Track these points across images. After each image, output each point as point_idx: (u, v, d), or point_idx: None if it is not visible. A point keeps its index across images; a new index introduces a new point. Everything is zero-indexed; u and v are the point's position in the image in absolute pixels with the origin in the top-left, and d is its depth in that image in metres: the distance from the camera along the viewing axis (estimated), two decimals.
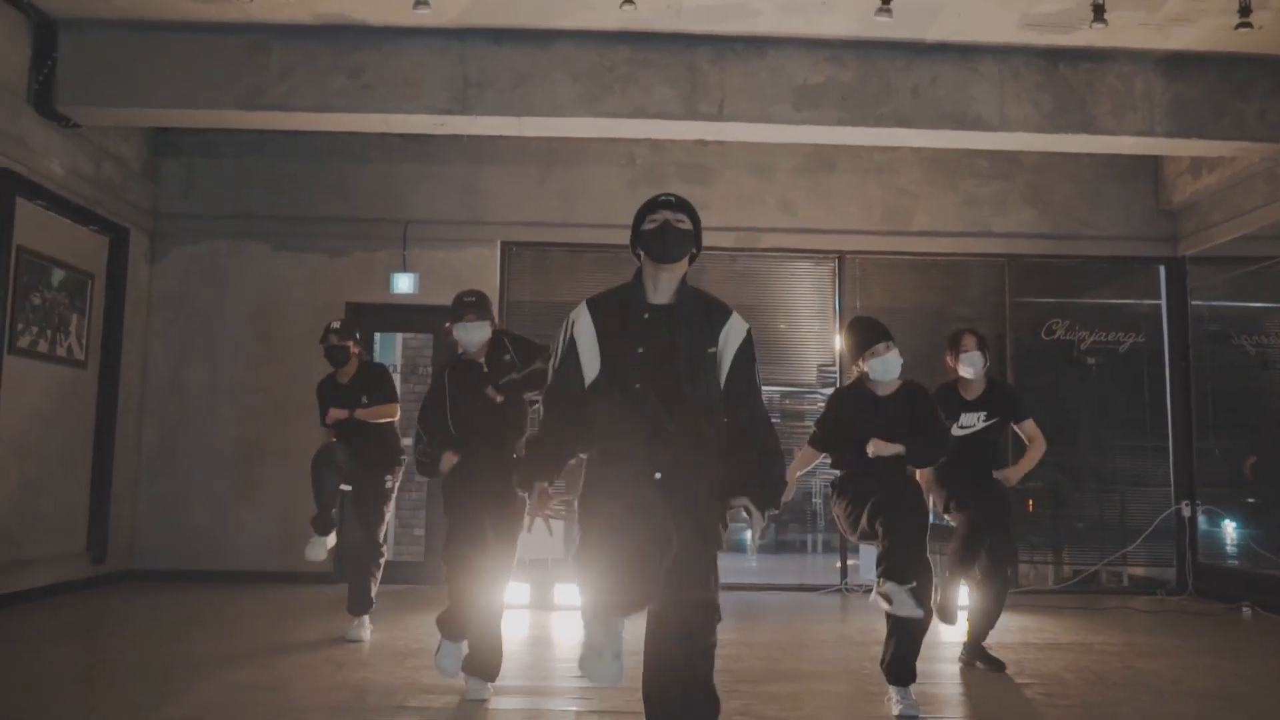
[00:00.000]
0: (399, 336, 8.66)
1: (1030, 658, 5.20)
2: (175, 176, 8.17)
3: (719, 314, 2.88)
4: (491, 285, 7.93)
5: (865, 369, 4.15)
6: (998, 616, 4.90)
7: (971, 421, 4.87)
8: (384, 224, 8.10)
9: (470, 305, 4.32)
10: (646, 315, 2.83)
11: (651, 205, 2.91)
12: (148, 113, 6.77)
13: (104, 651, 5.43)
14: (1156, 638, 6.03)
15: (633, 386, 2.73)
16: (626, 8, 5.73)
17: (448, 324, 4.38)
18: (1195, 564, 7.96)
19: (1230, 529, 7.96)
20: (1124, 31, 6.28)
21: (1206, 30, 6.25)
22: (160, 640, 5.41)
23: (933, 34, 6.47)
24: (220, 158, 8.15)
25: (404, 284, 8.04)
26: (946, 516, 4.95)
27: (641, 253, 2.89)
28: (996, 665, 4.84)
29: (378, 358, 8.25)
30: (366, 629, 5.46)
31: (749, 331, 2.89)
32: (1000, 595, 4.85)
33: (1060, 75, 6.69)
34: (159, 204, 8.09)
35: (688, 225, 2.87)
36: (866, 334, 4.19)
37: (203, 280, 8.09)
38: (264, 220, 8.10)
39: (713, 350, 2.81)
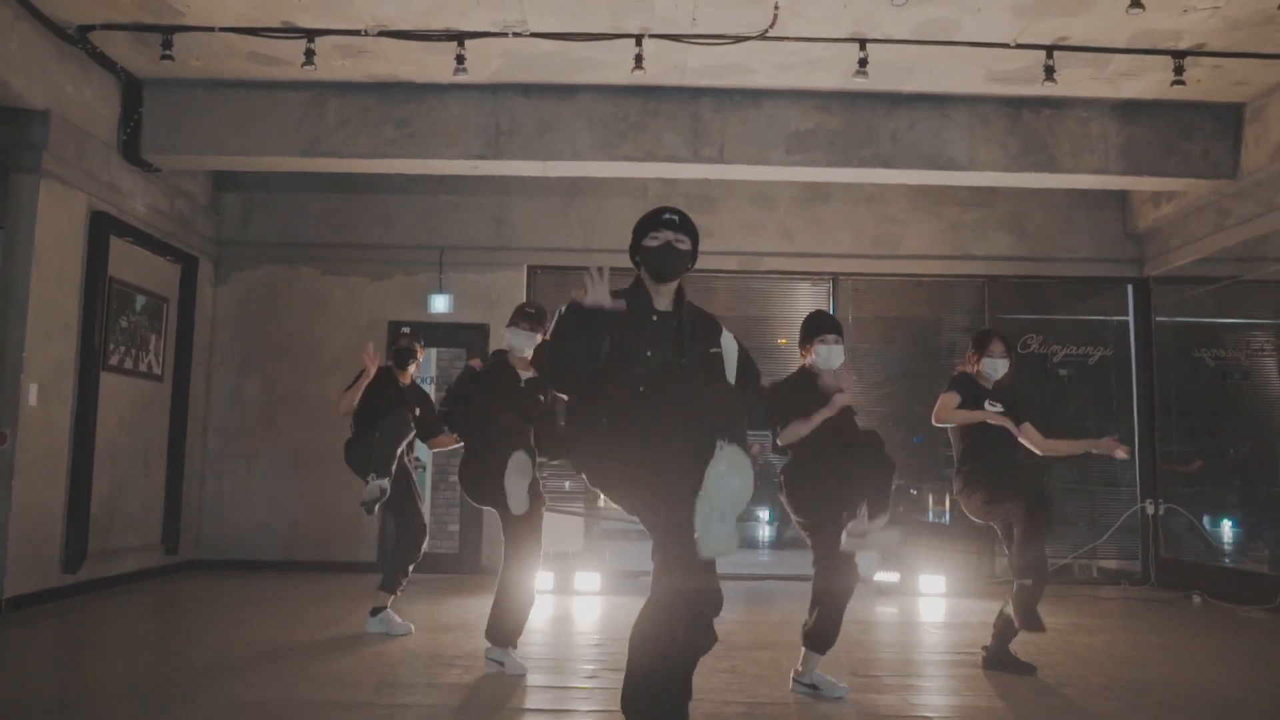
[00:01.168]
0: (434, 351, 9.57)
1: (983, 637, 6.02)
2: (235, 209, 9.11)
3: (714, 325, 3.21)
4: (519, 299, 8.83)
5: (812, 355, 4.45)
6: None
7: (998, 408, 4.91)
8: (422, 250, 9.01)
9: (528, 315, 4.79)
10: (655, 319, 3.06)
11: (654, 221, 3.11)
12: (219, 159, 7.73)
13: (181, 630, 6.35)
14: (1102, 620, 6.85)
15: (637, 389, 2.90)
16: (637, 71, 6.60)
17: (505, 328, 4.85)
18: (1158, 557, 8.76)
19: (1190, 525, 8.73)
20: (1079, 84, 7.11)
21: (1151, 83, 7.06)
22: (227, 620, 6.32)
23: (909, 86, 7.31)
24: (275, 192, 9.09)
25: (440, 304, 8.95)
26: (984, 516, 4.89)
27: (641, 267, 3.13)
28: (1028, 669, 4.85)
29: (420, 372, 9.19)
30: (394, 623, 5.67)
31: (737, 341, 3.27)
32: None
33: (1024, 121, 7.52)
34: (221, 234, 9.04)
35: (687, 246, 3.10)
36: (822, 323, 4.53)
37: (259, 302, 9.03)
38: (314, 247, 9.03)
39: (715, 350, 3.11)
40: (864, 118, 7.50)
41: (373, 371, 5.70)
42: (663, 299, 3.12)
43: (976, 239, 9.17)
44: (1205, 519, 8.73)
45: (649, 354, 2.99)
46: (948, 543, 8.80)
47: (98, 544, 7.14)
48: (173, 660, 5.20)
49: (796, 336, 4.69)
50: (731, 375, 3.18)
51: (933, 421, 5.01)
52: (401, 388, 5.90)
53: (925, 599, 7.79)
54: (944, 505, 9.37)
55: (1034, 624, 4.68)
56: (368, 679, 4.62)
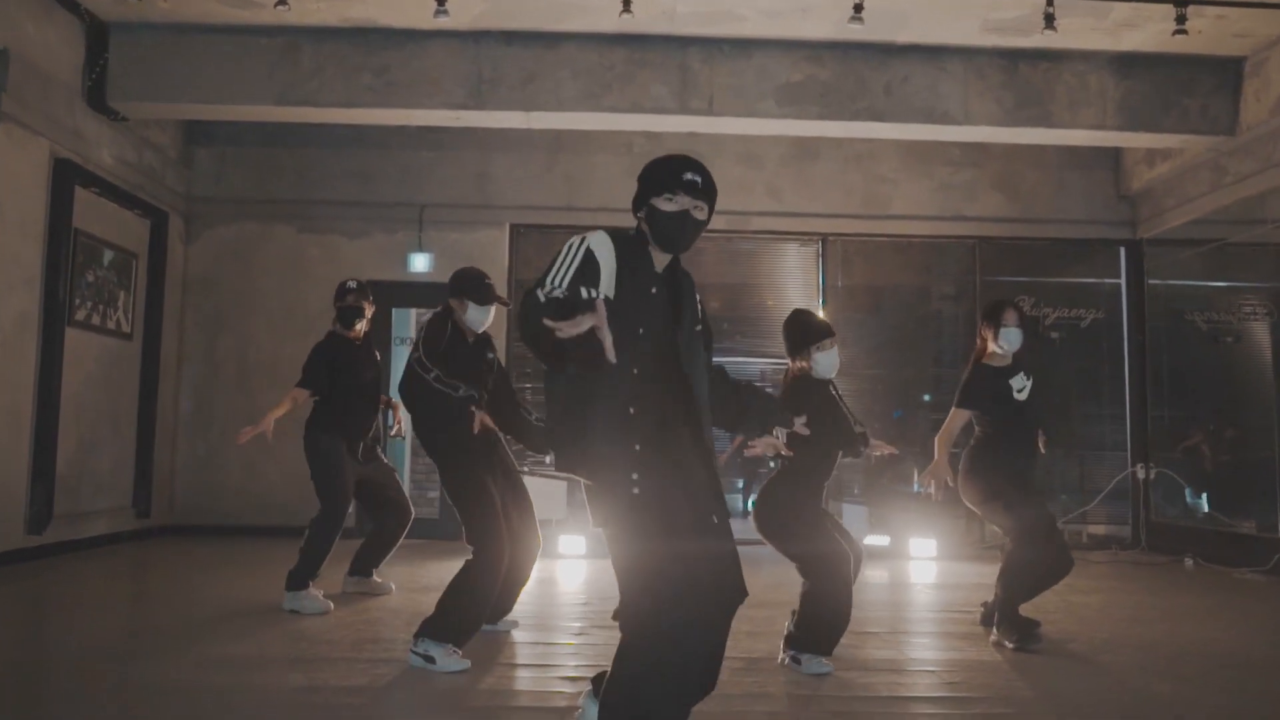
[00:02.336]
0: (413, 311, 9.33)
1: (977, 597, 5.90)
2: (208, 164, 8.82)
3: (694, 290, 2.72)
4: (501, 265, 8.62)
5: (809, 363, 4.03)
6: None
7: (1022, 384, 4.55)
8: (401, 208, 8.75)
9: (494, 291, 4.33)
10: (654, 290, 2.57)
11: (673, 180, 2.54)
12: (190, 107, 7.44)
13: (151, 592, 6.13)
14: (1096, 581, 6.73)
15: (631, 371, 2.44)
16: (625, 15, 6.37)
17: (465, 300, 4.25)
18: (1149, 522, 8.67)
19: (1180, 489, 8.64)
20: (1077, 34, 6.93)
21: (1152, 34, 6.89)
22: (200, 582, 6.11)
23: (903, 36, 7.11)
24: (249, 146, 8.79)
25: (420, 263, 8.70)
26: (978, 510, 4.63)
27: (647, 226, 2.58)
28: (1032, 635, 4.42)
29: (394, 331, 8.95)
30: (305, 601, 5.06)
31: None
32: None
33: (1021, 74, 7.34)
34: (193, 189, 8.75)
35: (705, 214, 2.58)
36: (814, 326, 4.14)
37: (233, 260, 8.75)
38: (289, 204, 8.76)
39: (700, 328, 2.67)
40: (857, 69, 7.29)
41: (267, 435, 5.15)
42: (659, 262, 2.61)
43: (967, 200, 9.00)
44: (1193, 483, 8.64)
45: (641, 331, 2.48)
46: (936, 509, 8.68)
47: (65, 506, 6.89)
48: (140, 620, 5.00)
49: (785, 299, 4.33)
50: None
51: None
52: (357, 346, 5.37)
53: (916, 562, 7.67)
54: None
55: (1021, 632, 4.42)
56: (346, 636, 4.43)
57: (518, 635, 4.52)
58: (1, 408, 6.22)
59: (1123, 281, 9.07)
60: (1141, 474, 8.72)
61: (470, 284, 4.29)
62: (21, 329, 6.42)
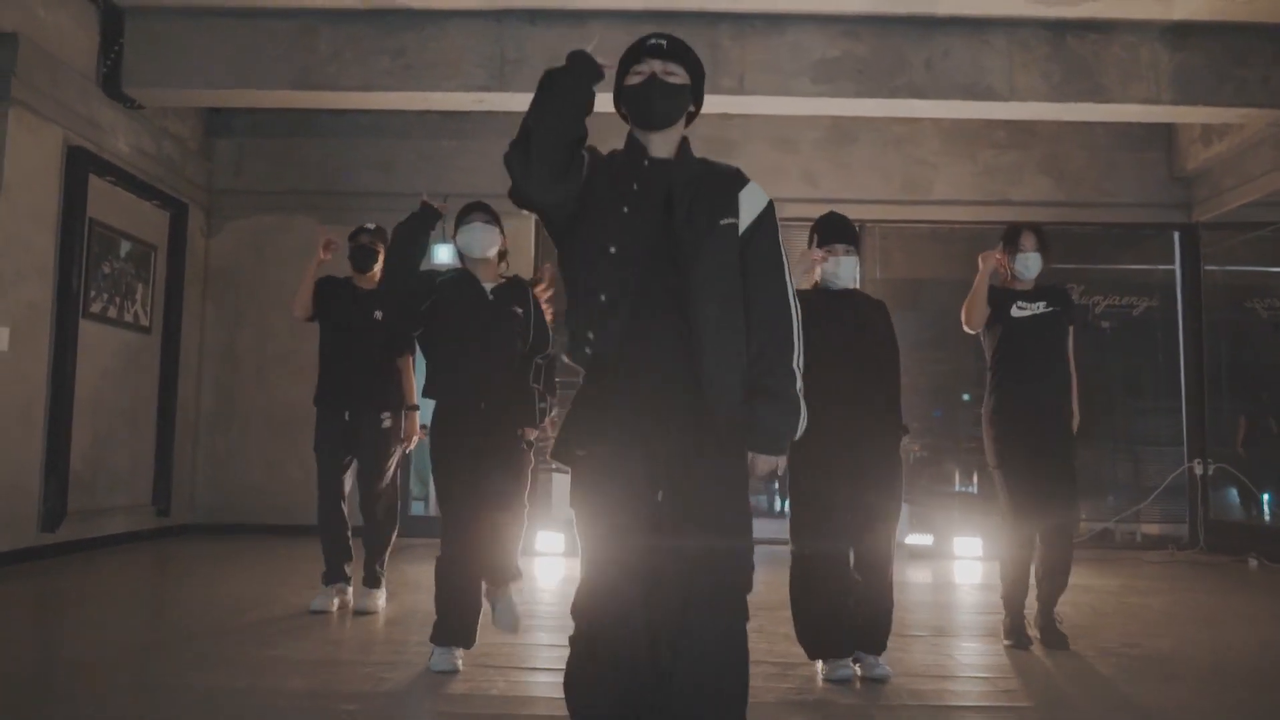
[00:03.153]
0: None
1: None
2: (228, 155, 8.65)
3: (732, 180, 2.32)
4: (527, 255, 8.35)
5: (817, 269, 3.69)
6: (1068, 574, 4.20)
7: (1032, 308, 4.25)
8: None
9: (480, 206, 3.87)
10: (646, 163, 2.30)
11: (636, 52, 2.34)
12: (206, 93, 7.23)
13: (162, 593, 5.93)
14: (1155, 582, 6.34)
15: (608, 250, 2.20)
16: None
17: (454, 230, 3.89)
18: (1207, 520, 8.23)
19: (1240, 486, 8.20)
20: (1127, 3, 6.55)
21: (1207, 1, 6.48)
22: (214, 582, 5.90)
23: (944, 8, 6.76)
24: (269, 136, 8.61)
25: (445, 254, 8.45)
26: (994, 468, 4.24)
27: (626, 116, 2.35)
28: (1060, 641, 4.09)
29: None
30: (380, 599, 4.79)
31: (770, 202, 2.34)
32: (1069, 553, 4.16)
33: (1068, 46, 6.96)
34: (213, 180, 8.58)
35: (682, 79, 2.31)
36: (831, 228, 3.77)
37: (253, 252, 8.57)
38: (310, 195, 8.55)
39: (729, 222, 2.25)
40: (895, 44, 6.95)
41: (323, 256, 4.88)
42: (660, 148, 2.32)
43: (1012, 183, 8.61)
44: (1254, 479, 8.20)
45: (625, 210, 2.22)
46: (978, 507, 8.31)
47: (81, 502, 6.72)
48: (151, 621, 4.78)
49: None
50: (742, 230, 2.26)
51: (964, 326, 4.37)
52: (365, 292, 4.89)
53: (961, 562, 7.31)
54: (971, 478, 8.88)
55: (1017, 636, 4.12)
56: (356, 637, 4.18)
57: (538, 638, 4.24)
58: (13, 400, 6.05)
59: (1177, 268, 8.63)
60: (1199, 470, 8.29)
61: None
62: (33, 319, 6.25)
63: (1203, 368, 8.41)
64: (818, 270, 3.72)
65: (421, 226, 3.85)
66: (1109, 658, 3.95)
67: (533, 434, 3.73)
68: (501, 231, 3.92)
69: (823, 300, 3.66)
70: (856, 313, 3.68)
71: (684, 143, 2.37)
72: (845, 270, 3.71)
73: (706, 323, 2.17)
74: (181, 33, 6.94)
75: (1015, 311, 4.23)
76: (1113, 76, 6.94)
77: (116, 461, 7.22)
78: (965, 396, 8.94)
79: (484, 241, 3.76)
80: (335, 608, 4.75)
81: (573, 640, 2.24)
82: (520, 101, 7.08)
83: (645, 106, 2.29)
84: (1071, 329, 4.32)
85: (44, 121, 6.30)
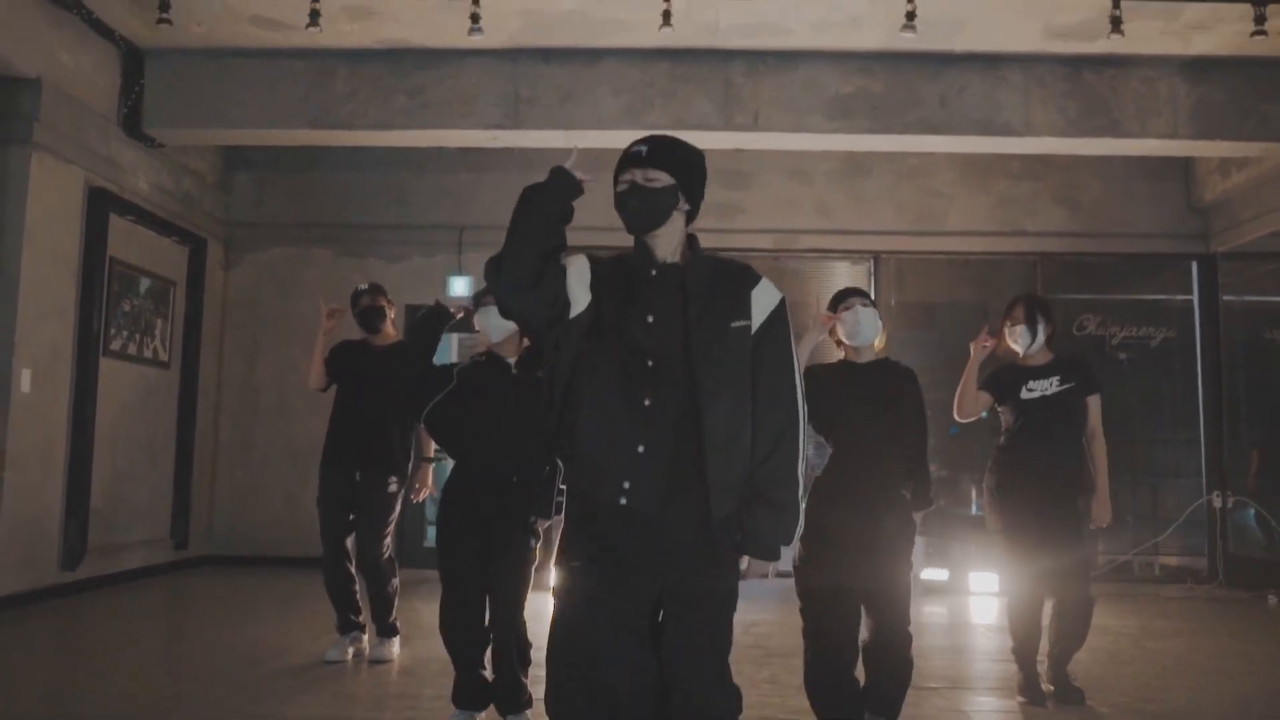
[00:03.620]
0: (454, 337, 9.14)
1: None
2: (246, 189, 8.73)
3: (745, 277, 2.32)
4: None
5: (838, 327, 3.59)
6: (1085, 631, 4.17)
7: (1043, 386, 4.19)
8: (440, 230, 8.58)
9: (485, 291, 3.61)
10: (654, 272, 2.31)
11: (621, 162, 2.37)
12: (225, 133, 7.33)
13: (184, 632, 5.96)
14: (1173, 622, 6.30)
15: (640, 363, 2.21)
16: (665, 30, 6.11)
17: (468, 309, 3.87)
18: (1226, 554, 8.16)
19: (1260, 519, 8.12)
20: (1145, 39, 6.53)
21: (1226, 36, 6.46)
22: (234, 621, 5.93)
23: (960, 44, 6.76)
24: (287, 171, 8.69)
25: (460, 287, 8.50)
26: (997, 532, 4.26)
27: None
28: (1076, 697, 4.09)
29: (436, 358, 8.74)
30: (395, 648, 4.85)
31: (783, 300, 2.32)
32: (1086, 606, 4.13)
33: (1085, 81, 6.94)
34: (232, 214, 8.66)
35: (665, 181, 2.30)
36: (844, 292, 3.71)
37: (272, 286, 8.64)
38: (328, 228, 8.63)
39: (741, 324, 2.25)
40: (910, 80, 6.95)
41: (329, 326, 4.88)
42: (664, 251, 2.33)
43: (1027, 214, 8.59)
44: (1274, 513, 8.12)
45: (650, 319, 2.24)
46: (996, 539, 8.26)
47: (101, 538, 6.78)
48: (169, 672, 4.81)
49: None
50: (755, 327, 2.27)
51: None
52: (378, 352, 4.88)
53: (978, 598, 7.26)
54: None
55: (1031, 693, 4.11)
56: (370, 692, 4.19)
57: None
58: (35, 442, 6.12)
59: (1195, 298, 8.58)
60: (1218, 502, 8.22)
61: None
62: (54, 360, 6.32)
63: (1222, 399, 8.36)
64: (839, 330, 3.60)
65: (436, 323, 3.90)
66: (1124, 714, 3.92)
67: (542, 526, 3.68)
68: None
69: (850, 373, 3.60)
70: (884, 384, 3.58)
71: (690, 242, 2.37)
72: (866, 320, 3.54)
73: (714, 433, 2.19)
74: (201, 73, 7.02)
75: (1024, 394, 4.18)
76: (1130, 111, 6.93)
77: (135, 496, 7.28)
78: (983, 414, 8.89)
79: (500, 325, 3.67)
80: (350, 657, 4.77)
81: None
82: (534, 138, 7.20)
83: (626, 214, 2.32)
84: (1093, 400, 4.23)
85: (65, 164, 6.38)
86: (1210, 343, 8.45)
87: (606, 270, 2.33)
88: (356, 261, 8.61)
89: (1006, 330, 4.28)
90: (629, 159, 2.34)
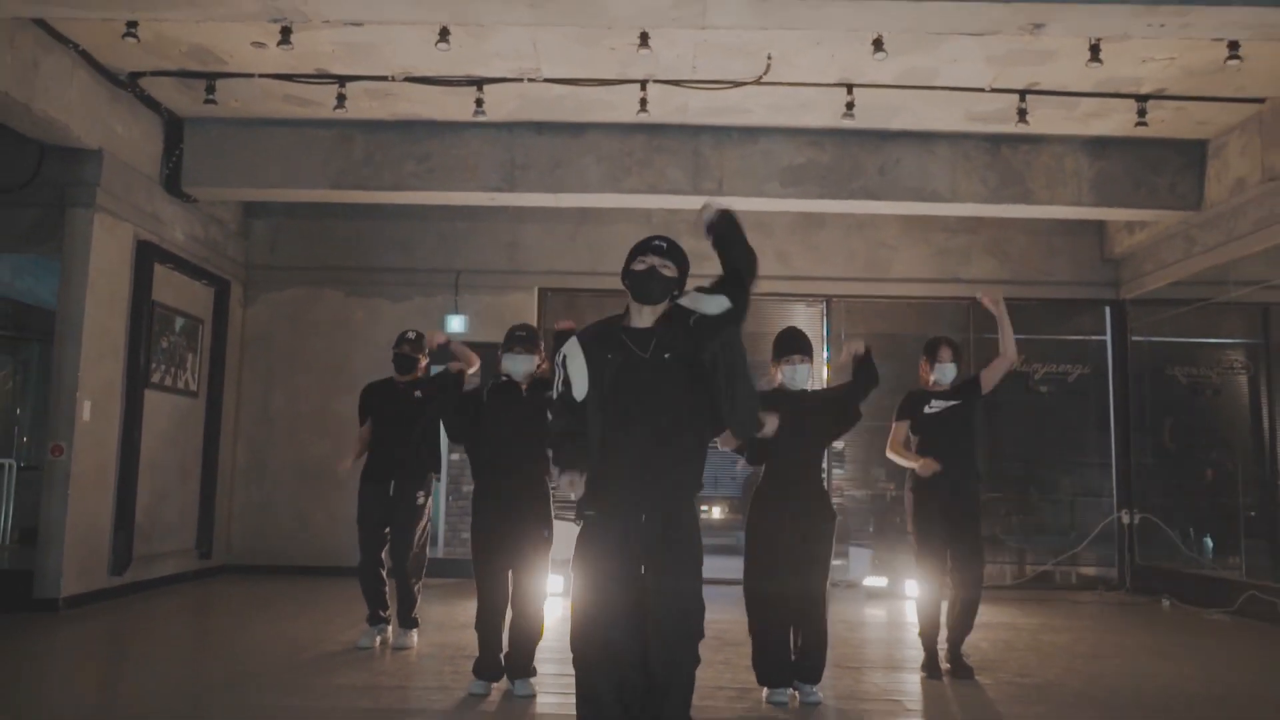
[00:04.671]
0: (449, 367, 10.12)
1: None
2: (264, 235, 9.70)
3: (690, 321, 3.18)
4: (530, 319, 9.40)
5: (779, 374, 4.72)
6: (973, 618, 5.15)
7: (939, 405, 5.24)
8: (439, 273, 9.58)
9: (519, 339, 4.75)
10: (625, 337, 3.19)
11: (644, 247, 3.21)
12: (255, 191, 8.31)
13: (219, 630, 6.90)
14: (1071, 621, 7.36)
15: (619, 407, 3.13)
16: (642, 114, 7.17)
17: (499, 354, 4.79)
18: (1133, 564, 9.28)
19: (1163, 533, 9.23)
20: (1051, 122, 7.66)
21: (1119, 121, 7.60)
22: (260, 620, 6.87)
23: (895, 124, 7.86)
24: (301, 218, 9.66)
25: (456, 324, 9.50)
26: (911, 533, 5.25)
27: (628, 289, 3.23)
28: (966, 672, 5.07)
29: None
30: (414, 638, 5.76)
31: (728, 310, 3.18)
32: (976, 597, 5.13)
33: (1003, 156, 8.07)
34: (250, 258, 9.62)
35: (672, 272, 3.21)
36: (787, 344, 4.75)
37: (286, 322, 9.60)
38: (337, 271, 9.60)
39: (696, 361, 3.14)
40: (853, 153, 8.05)
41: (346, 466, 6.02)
42: (645, 319, 3.23)
43: (962, 263, 9.71)
44: (1173, 527, 9.23)
45: (609, 356, 3.17)
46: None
47: (141, 549, 7.69)
48: (231, 657, 5.75)
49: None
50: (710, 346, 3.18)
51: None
52: (403, 389, 5.89)
53: (910, 602, 8.31)
54: None
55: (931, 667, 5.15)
56: (369, 681, 5.16)
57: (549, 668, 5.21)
58: (92, 465, 7.04)
59: (1108, 338, 9.73)
60: (1126, 519, 9.34)
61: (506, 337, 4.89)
62: (108, 393, 7.26)
63: (1129, 428, 9.49)
64: (779, 377, 4.76)
65: (453, 387, 5.18)
66: (1002, 685, 4.97)
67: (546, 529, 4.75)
68: (539, 354, 4.87)
69: (782, 398, 4.67)
70: (804, 408, 4.66)
71: (669, 309, 3.26)
72: (800, 376, 4.71)
73: (679, 448, 3.22)
74: (234, 139, 8.00)
75: (926, 410, 5.29)
76: (1041, 182, 8.06)
77: (169, 512, 8.20)
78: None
79: (524, 369, 4.78)
80: (377, 644, 5.74)
81: (576, 664, 3.21)
82: (528, 199, 8.25)
83: (643, 290, 3.23)
84: (977, 406, 5.33)
85: (119, 222, 7.33)
86: (1121, 378, 9.60)
87: (594, 354, 3.23)
88: (363, 300, 9.60)
89: (934, 367, 5.33)
90: (651, 249, 3.24)
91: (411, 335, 6.07)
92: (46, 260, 10.04)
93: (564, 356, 3.27)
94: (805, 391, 4.81)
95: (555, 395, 3.29)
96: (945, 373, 5.32)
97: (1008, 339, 5.37)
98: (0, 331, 11.25)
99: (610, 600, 3.15)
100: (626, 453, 3.17)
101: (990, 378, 5.33)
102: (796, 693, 4.56)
